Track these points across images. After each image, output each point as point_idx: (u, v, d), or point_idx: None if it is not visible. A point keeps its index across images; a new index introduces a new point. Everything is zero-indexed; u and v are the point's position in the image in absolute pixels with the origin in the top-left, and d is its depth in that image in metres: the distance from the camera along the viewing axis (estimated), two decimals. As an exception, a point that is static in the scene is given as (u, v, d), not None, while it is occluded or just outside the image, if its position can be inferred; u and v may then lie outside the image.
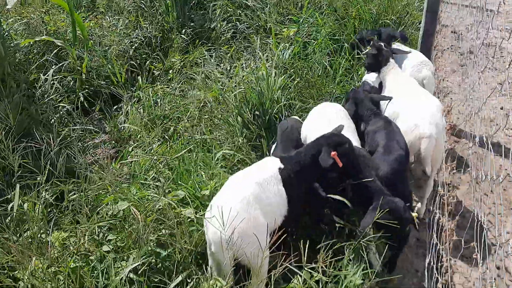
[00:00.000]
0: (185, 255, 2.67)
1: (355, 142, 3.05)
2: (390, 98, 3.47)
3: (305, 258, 2.30)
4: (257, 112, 3.76)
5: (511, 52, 5.75)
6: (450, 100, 4.47)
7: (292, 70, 4.40)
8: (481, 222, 3.42)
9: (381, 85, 3.84)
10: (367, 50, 3.85)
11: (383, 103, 3.63)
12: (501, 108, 4.62)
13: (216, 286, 2.37)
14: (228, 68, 4.80)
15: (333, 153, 2.62)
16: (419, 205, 3.54)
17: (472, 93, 4.82)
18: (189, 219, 2.87)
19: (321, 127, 3.07)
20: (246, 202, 2.46)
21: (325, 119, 3.22)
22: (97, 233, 2.90)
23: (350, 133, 3.13)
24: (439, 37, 5.72)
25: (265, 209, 2.52)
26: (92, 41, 5.20)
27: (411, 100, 3.41)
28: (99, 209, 3.06)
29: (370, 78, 4.01)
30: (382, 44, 3.79)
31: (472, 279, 3.03)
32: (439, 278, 2.59)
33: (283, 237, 2.43)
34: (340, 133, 2.81)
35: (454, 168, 3.67)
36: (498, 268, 3.08)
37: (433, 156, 3.19)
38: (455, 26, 6.49)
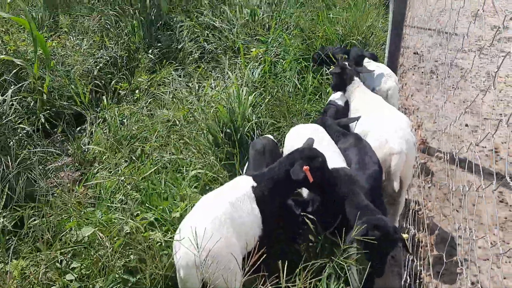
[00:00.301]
0: (156, 281, 2.52)
1: (341, 162, 2.99)
2: (357, 119, 3.47)
3: (284, 279, 2.21)
4: (228, 130, 3.68)
5: (471, 72, 5.96)
6: (417, 117, 4.55)
7: (262, 89, 4.38)
8: (452, 238, 3.45)
9: (347, 103, 3.87)
10: (331, 69, 3.89)
11: (352, 123, 3.67)
12: (466, 125, 4.74)
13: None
14: (197, 88, 4.72)
15: (305, 167, 2.56)
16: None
17: (438, 111, 4.94)
18: (158, 243, 2.74)
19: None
20: (218, 222, 2.34)
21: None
22: (59, 260, 2.71)
23: (336, 152, 3.09)
24: (402, 58, 5.87)
25: (238, 229, 2.41)
26: (54, 61, 5.02)
27: (379, 117, 3.43)
28: (62, 235, 2.88)
29: (336, 97, 4.01)
30: (346, 63, 3.86)
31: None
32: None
33: (262, 258, 2.33)
34: (313, 148, 2.76)
35: (429, 182, 3.70)
36: (472, 283, 3.09)
37: (403, 172, 3.19)
38: (416, 48, 6.72)
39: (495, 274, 3.07)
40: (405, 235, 2.54)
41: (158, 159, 3.67)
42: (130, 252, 2.72)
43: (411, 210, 3.38)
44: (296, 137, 3.21)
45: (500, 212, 3.64)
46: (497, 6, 8.48)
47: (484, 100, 5.26)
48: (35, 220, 3.22)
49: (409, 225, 3.23)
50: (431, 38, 6.34)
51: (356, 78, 3.83)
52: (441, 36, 6.07)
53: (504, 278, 3.08)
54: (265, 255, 2.36)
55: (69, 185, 3.46)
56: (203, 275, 2.23)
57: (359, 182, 2.79)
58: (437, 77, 5.88)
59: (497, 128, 2.21)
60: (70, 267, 2.68)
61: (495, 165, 4.23)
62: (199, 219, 2.36)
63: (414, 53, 6.70)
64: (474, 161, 4.13)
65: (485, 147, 4.36)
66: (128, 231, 2.83)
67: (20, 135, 4.22)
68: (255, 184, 2.63)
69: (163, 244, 2.76)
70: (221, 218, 2.35)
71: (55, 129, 4.51)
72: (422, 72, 6.15)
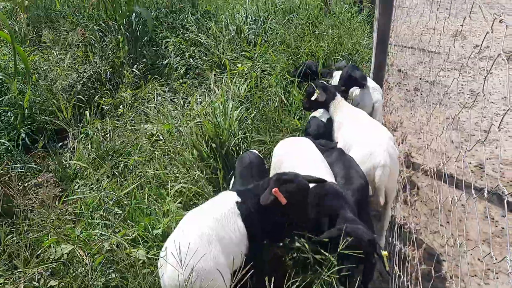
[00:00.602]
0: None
1: (330, 176, 2.95)
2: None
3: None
4: (213, 145, 3.63)
5: (454, 90, 6.04)
6: (402, 133, 4.57)
7: (248, 104, 4.35)
8: (439, 254, 3.42)
9: (329, 120, 3.87)
10: (316, 95, 3.89)
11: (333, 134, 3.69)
12: (452, 142, 4.77)
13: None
14: (182, 103, 4.67)
15: (274, 189, 2.50)
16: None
17: (422, 127, 4.97)
18: (141, 261, 2.64)
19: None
20: (205, 239, 2.27)
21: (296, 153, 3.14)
22: (37, 279, 2.59)
23: (325, 166, 3.05)
24: (387, 74, 5.94)
25: (225, 246, 2.34)
26: (36, 75, 4.93)
27: (363, 131, 3.43)
28: (39, 252, 2.76)
29: (318, 114, 3.99)
30: (324, 82, 3.92)
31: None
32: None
33: (249, 274, 2.25)
34: (291, 173, 2.66)
35: (415, 195, 3.69)
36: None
37: (387, 186, 3.18)
38: (400, 65, 6.80)
39: (483, 290, 3.05)
40: (384, 253, 2.49)
41: (141, 174, 3.59)
42: (111, 270, 2.62)
43: (397, 225, 3.36)
44: (284, 150, 3.19)
45: (486, 228, 3.63)
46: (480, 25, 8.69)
47: (468, 117, 5.32)
48: (12, 237, 3.11)
49: (395, 240, 3.20)
50: (414, 56, 6.44)
51: (338, 94, 3.87)
52: (425, 54, 6.18)
53: (492, 294, 3.05)
54: (252, 271, 2.29)
55: (48, 201, 3.34)
56: None
57: (346, 198, 2.75)
58: (421, 94, 5.95)
59: (475, 143, 2.20)
60: (48, 286, 2.57)
61: (481, 181, 4.25)
62: (185, 236, 2.28)
63: (399, 70, 6.78)
64: (459, 177, 4.14)
65: (471, 163, 4.39)
66: (109, 248, 2.74)
67: (-1, 150, 4.11)
68: (239, 200, 2.57)
69: (146, 262, 2.67)
70: (208, 235, 2.29)
71: (36, 145, 4.40)
72: (407, 89, 6.21)
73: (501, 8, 9.63)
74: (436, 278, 3.09)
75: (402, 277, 2.81)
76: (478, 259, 3.35)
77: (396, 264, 2.95)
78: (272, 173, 3.22)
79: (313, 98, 3.79)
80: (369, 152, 3.16)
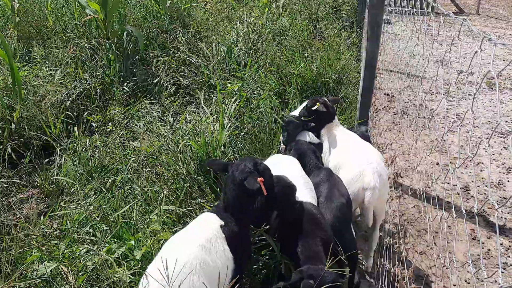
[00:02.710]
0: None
1: (310, 197, 2.97)
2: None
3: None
4: (202, 163, 3.63)
5: (439, 114, 6.16)
6: (391, 153, 4.62)
7: (238, 123, 4.37)
8: (427, 275, 3.43)
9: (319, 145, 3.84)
10: (317, 106, 3.81)
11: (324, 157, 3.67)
12: (437, 164, 4.84)
13: None
14: (172, 122, 4.68)
15: (260, 178, 2.51)
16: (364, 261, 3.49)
17: (409, 149, 5.04)
18: (124, 282, 2.60)
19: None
20: (188, 268, 2.14)
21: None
22: (18, 296, 2.53)
23: (308, 187, 3.06)
24: (374, 98, 6.04)
25: (210, 275, 2.22)
26: (25, 90, 4.91)
27: (353, 151, 3.45)
28: (22, 269, 2.70)
29: (303, 137, 3.88)
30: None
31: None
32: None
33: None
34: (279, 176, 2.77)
35: (403, 215, 3.70)
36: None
37: (376, 208, 3.20)
38: (387, 89, 6.93)
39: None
40: None
41: (129, 191, 3.56)
42: (95, 288, 2.57)
43: (385, 245, 3.36)
44: (272, 166, 3.20)
45: (472, 250, 3.66)
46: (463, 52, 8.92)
47: (453, 140, 5.42)
48: (-6, 253, 3.04)
49: (384, 260, 3.20)
50: (401, 80, 6.57)
51: (336, 117, 3.85)
52: (410, 79, 6.31)
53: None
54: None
55: (33, 217, 3.28)
56: None
57: (319, 221, 2.75)
58: (407, 117, 6.05)
59: (464, 160, 2.24)
60: (30, 304, 2.51)
61: (466, 203, 4.30)
62: (168, 264, 2.09)
63: (385, 94, 6.90)
64: (445, 198, 4.19)
65: (456, 185, 4.44)
66: (93, 267, 2.69)
67: (-16, 165, 4.05)
68: (223, 223, 2.51)
69: (129, 283, 2.62)
70: (191, 264, 2.16)
71: (22, 160, 4.35)
72: (394, 113, 6.32)
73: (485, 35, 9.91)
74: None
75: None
76: (465, 281, 3.36)
77: (385, 285, 2.95)
78: None
79: (313, 108, 3.75)
80: (358, 172, 3.18)
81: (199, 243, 2.29)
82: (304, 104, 3.99)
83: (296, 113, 4.07)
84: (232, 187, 2.58)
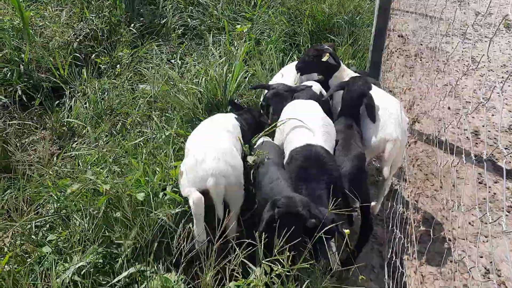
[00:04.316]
0: (143, 239, 2.46)
1: (325, 142, 2.90)
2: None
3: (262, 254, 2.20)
4: (210, 105, 3.62)
5: (454, 56, 6.00)
6: (403, 98, 4.56)
7: (247, 66, 4.31)
8: (433, 218, 3.50)
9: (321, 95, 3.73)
10: (327, 57, 3.67)
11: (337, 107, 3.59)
12: (449, 108, 4.78)
13: (167, 282, 2.21)
14: (180, 64, 4.62)
15: None
16: (373, 203, 3.52)
17: (421, 94, 4.97)
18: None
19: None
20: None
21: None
22: (35, 232, 2.64)
23: (324, 131, 2.98)
24: (388, 40, 5.87)
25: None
26: (32, 31, 4.84)
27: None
28: (38, 206, 2.80)
29: (309, 84, 3.67)
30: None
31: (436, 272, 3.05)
32: (404, 272, 2.56)
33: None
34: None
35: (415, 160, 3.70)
36: (450, 261, 3.14)
37: (394, 158, 3.16)
38: (401, 30, 6.72)
39: (472, 252, 3.13)
40: (346, 231, 2.44)
41: (139, 134, 3.59)
42: (116, 214, 2.62)
43: (396, 189, 3.40)
44: (292, 111, 3.18)
45: (479, 193, 3.69)
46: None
47: (467, 84, 5.31)
48: (11, 192, 3.14)
49: (395, 203, 3.25)
50: (417, 21, 6.34)
51: (342, 64, 3.74)
52: (427, 20, 6.10)
53: (481, 257, 3.14)
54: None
55: (47, 158, 3.36)
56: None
57: (326, 164, 2.71)
58: (421, 60, 5.90)
59: (476, 107, 2.21)
60: (47, 240, 2.61)
61: (475, 147, 4.29)
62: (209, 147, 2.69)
63: (399, 35, 6.71)
64: (455, 143, 4.18)
65: (466, 130, 4.41)
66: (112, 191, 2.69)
67: (-4, 106, 4.09)
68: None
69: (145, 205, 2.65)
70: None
71: (33, 102, 4.37)
72: (407, 56, 6.16)
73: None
74: (429, 241, 3.18)
75: (402, 239, 2.85)
76: (469, 223, 3.43)
77: (396, 227, 3.01)
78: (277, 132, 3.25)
79: (323, 59, 3.62)
80: (381, 123, 3.14)
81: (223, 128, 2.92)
82: (300, 60, 3.79)
83: (283, 80, 3.79)
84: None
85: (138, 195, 2.58)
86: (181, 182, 2.65)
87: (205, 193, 2.50)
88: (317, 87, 3.63)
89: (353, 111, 3.24)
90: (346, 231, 2.47)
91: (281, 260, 2.17)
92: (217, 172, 2.53)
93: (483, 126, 4.56)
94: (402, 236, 2.81)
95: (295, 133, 2.94)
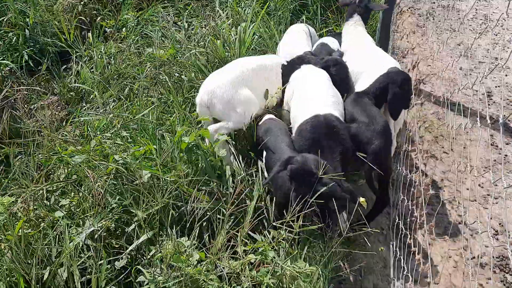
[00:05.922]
0: (150, 217, 2.49)
1: (336, 111, 2.86)
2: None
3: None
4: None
5: (467, 15, 5.81)
6: (412, 58, 4.46)
7: (254, 27, 4.21)
8: (442, 180, 3.48)
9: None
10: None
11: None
12: (460, 69, 4.67)
13: (180, 247, 2.25)
14: (186, 26, 4.53)
15: None
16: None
17: (433, 54, 4.84)
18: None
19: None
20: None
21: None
22: (47, 197, 2.68)
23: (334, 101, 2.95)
24: (398, -1, 5.69)
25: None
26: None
27: (372, 59, 3.32)
28: (49, 171, 2.82)
29: (329, 42, 3.74)
30: None
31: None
32: (407, 233, 2.58)
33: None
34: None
35: (424, 122, 3.67)
36: (459, 223, 3.15)
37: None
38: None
39: (481, 215, 3.13)
40: (362, 199, 2.36)
41: (146, 99, 3.57)
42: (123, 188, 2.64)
43: (402, 151, 3.38)
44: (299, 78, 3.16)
45: (490, 155, 3.66)
46: None
47: (480, 44, 5.17)
48: (21, 158, 3.17)
49: (400, 166, 3.24)
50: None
51: (356, 15, 3.65)
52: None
53: (491, 219, 3.14)
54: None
55: (55, 123, 3.37)
56: None
57: (338, 134, 2.66)
58: (433, 19, 5.72)
59: (491, 71, 2.15)
60: (60, 205, 2.65)
61: (488, 109, 4.21)
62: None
63: (411, -6, 6.48)
64: (466, 104, 4.10)
65: (477, 91, 4.32)
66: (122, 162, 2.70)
67: (3, 72, 4.07)
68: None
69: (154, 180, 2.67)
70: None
71: (40, 67, 4.35)
72: (419, 14, 5.98)
73: None
74: (438, 203, 3.18)
75: (406, 201, 2.86)
76: (479, 185, 3.41)
77: (400, 190, 3.00)
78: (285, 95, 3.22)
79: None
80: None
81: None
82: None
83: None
84: None
85: (145, 177, 2.57)
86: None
87: None
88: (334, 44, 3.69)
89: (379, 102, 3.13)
90: (362, 200, 2.44)
91: (291, 223, 2.18)
92: None
93: (496, 86, 4.46)
94: (405, 198, 2.81)
95: (303, 104, 2.90)
